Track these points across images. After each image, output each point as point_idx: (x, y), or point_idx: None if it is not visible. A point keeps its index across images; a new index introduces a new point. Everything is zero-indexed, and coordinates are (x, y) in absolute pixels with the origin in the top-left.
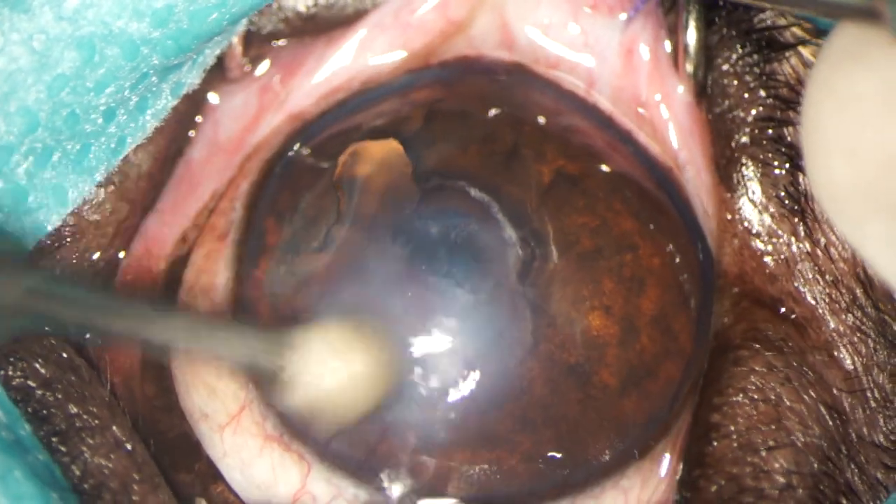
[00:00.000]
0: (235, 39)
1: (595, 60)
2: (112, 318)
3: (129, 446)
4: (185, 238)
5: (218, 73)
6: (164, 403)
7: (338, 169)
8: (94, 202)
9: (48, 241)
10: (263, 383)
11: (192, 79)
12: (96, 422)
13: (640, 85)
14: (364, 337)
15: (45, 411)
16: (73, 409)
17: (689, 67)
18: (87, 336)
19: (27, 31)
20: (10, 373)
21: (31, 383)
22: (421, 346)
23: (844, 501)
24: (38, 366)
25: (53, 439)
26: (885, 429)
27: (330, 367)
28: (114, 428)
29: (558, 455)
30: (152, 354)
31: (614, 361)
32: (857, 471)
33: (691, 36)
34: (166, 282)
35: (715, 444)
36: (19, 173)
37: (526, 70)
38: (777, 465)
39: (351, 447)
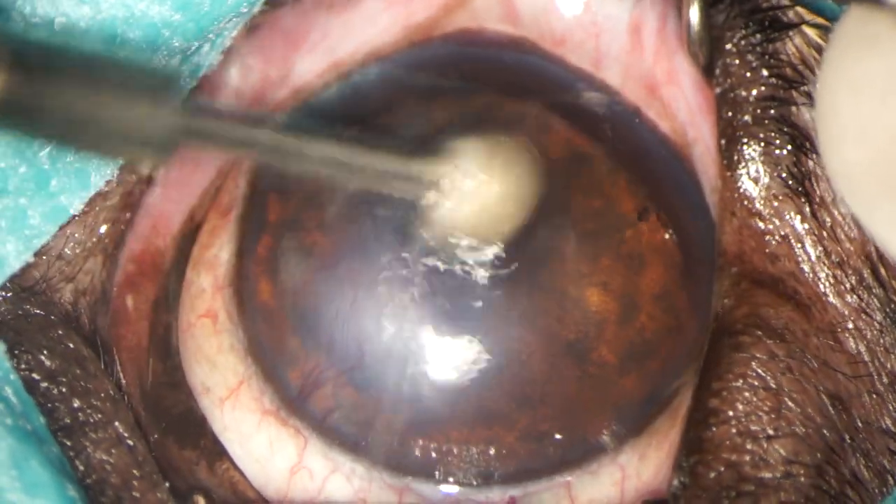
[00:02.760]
0: None
1: (603, 37)
2: (266, 136)
3: (130, 443)
4: (192, 216)
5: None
6: (171, 380)
7: None
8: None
9: None
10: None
11: (210, 60)
12: (99, 416)
13: (649, 62)
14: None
15: (49, 405)
16: (77, 403)
17: (693, 46)
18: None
19: (49, 15)
20: (15, 364)
21: (35, 376)
22: (420, 321)
23: (850, 490)
24: (43, 358)
25: (58, 433)
26: (893, 414)
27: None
28: (116, 424)
29: (555, 431)
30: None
31: (613, 339)
32: (862, 459)
33: (694, 14)
34: (174, 259)
35: (713, 429)
36: (42, 157)
37: (531, 45)
38: (777, 454)
39: (347, 422)
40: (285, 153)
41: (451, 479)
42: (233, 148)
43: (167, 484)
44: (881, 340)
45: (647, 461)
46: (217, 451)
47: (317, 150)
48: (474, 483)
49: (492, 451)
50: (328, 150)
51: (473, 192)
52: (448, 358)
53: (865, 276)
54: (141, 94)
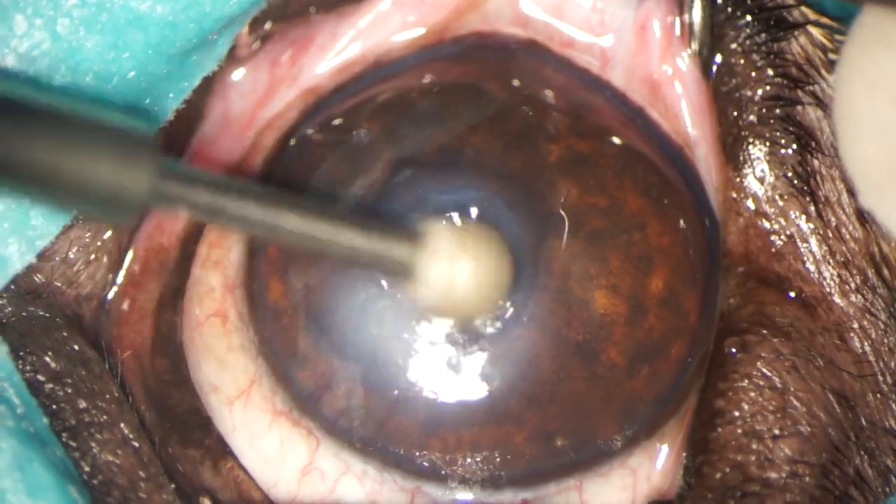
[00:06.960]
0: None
1: (610, 38)
2: (240, 204)
3: (136, 444)
4: None
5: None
6: (174, 378)
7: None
8: None
9: None
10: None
11: (212, 60)
12: (105, 417)
13: (653, 62)
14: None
15: (54, 406)
16: (83, 405)
17: (695, 45)
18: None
19: (51, 16)
20: (20, 366)
21: (40, 377)
22: (432, 321)
23: (854, 490)
24: (48, 359)
25: (64, 434)
26: None
27: (458, 262)
28: (122, 425)
29: (565, 433)
30: (276, 242)
31: (622, 340)
32: (867, 458)
33: (696, 13)
34: (179, 257)
35: (719, 430)
36: None
37: (540, 47)
38: (782, 454)
39: (359, 423)
40: (256, 222)
41: (463, 481)
42: (203, 214)
43: (173, 485)
44: (885, 340)
45: (658, 464)
46: (222, 451)
47: (289, 221)
48: (486, 485)
49: (503, 452)
50: (301, 223)
51: (445, 275)
52: (459, 359)
53: (870, 275)
54: (113, 155)
